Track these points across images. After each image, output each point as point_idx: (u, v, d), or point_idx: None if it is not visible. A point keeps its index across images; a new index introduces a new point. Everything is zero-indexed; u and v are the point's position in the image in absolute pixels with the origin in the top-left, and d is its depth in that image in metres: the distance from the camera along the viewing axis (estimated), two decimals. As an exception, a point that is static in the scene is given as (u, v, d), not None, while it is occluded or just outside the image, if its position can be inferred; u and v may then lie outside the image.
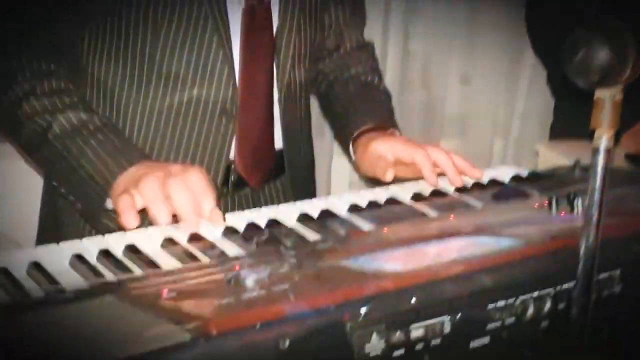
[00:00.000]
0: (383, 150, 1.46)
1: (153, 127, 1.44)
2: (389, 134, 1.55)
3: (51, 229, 1.57)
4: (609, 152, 0.87)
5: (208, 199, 1.17)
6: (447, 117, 2.87)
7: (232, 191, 1.51)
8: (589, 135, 0.89)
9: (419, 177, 1.41)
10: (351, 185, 2.80)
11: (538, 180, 1.41)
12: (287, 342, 0.79)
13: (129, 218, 1.13)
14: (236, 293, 0.86)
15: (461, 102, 2.88)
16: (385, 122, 1.59)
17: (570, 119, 2.24)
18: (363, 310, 0.85)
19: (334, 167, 2.71)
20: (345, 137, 1.61)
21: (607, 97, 0.87)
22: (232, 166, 1.49)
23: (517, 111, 2.92)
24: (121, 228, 1.14)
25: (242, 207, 1.52)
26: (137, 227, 1.13)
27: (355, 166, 1.55)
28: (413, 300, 0.88)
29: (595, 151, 0.86)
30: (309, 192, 1.70)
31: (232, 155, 1.48)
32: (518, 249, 1.00)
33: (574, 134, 2.21)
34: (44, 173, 1.58)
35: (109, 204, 1.28)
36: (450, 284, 0.91)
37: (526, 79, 2.88)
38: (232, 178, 1.49)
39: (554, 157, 2.07)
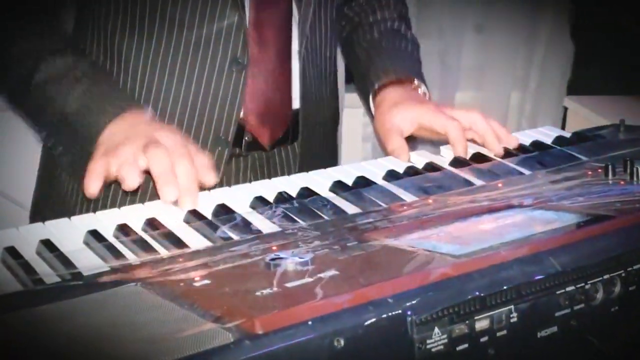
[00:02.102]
0: (404, 119, 1.33)
1: (156, 80, 1.33)
2: (414, 92, 1.42)
3: (47, 190, 1.46)
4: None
5: (210, 175, 1.09)
6: (462, 69, 2.76)
7: (245, 152, 1.40)
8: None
9: (442, 138, 1.30)
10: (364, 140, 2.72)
11: (582, 141, 1.30)
12: (343, 341, 0.70)
13: (93, 183, 1.05)
14: (279, 281, 0.76)
15: (477, 53, 2.76)
16: (410, 74, 1.45)
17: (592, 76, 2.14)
18: (424, 300, 0.75)
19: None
20: (365, 88, 1.48)
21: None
22: (245, 125, 1.37)
23: (536, 62, 2.80)
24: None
25: (255, 171, 1.41)
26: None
27: (373, 126, 1.43)
28: (477, 287, 0.78)
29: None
30: (331, 155, 1.59)
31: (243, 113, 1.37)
32: (585, 225, 0.89)
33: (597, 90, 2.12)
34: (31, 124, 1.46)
35: None
36: (517, 268, 0.81)
37: (546, 28, 2.75)
38: (246, 138, 1.38)
39: (584, 113, 1.97)
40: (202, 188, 1.08)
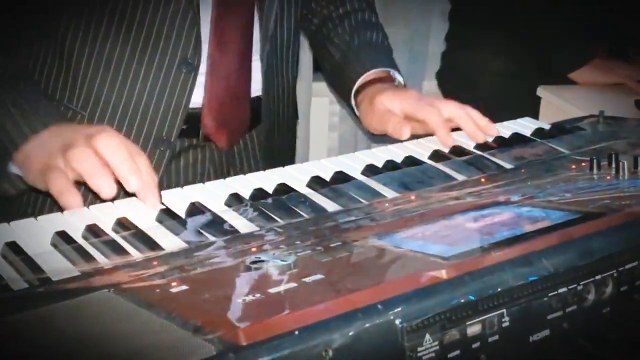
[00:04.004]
0: (392, 105, 1.31)
1: (100, 77, 1.28)
2: (395, 85, 1.41)
3: None
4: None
5: (144, 161, 1.01)
6: (429, 57, 2.73)
7: (202, 143, 1.36)
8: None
9: (429, 134, 1.27)
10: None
11: (562, 133, 1.28)
12: (331, 351, 0.66)
13: (70, 198, 0.97)
14: (261, 286, 0.72)
15: (444, 40, 2.74)
16: (387, 69, 1.44)
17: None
18: (414, 306, 0.71)
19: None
20: (342, 87, 1.47)
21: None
22: (201, 119, 1.33)
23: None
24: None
25: (213, 160, 1.39)
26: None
27: (361, 122, 1.40)
28: (469, 291, 0.74)
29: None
30: (289, 147, 1.56)
31: (200, 105, 1.33)
32: (575, 224, 0.86)
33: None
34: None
35: (13, 169, 1.11)
36: (509, 270, 0.77)
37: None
38: (202, 131, 1.34)
39: (558, 102, 1.95)
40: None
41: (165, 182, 1.33)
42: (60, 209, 0.98)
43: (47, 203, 1.27)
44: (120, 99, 1.29)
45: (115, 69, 1.28)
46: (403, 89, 1.40)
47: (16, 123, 1.10)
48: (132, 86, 1.29)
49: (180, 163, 1.36)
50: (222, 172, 1.40)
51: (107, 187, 0.97)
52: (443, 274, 0.75)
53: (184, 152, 1.36)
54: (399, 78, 1.43)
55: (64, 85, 1.29)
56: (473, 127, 1.24)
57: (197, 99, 1.32)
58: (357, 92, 1.41)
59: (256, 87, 1.39)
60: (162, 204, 0.98)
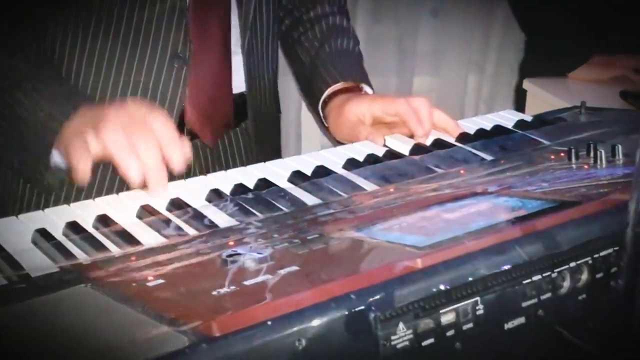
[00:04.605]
0: (360, 112, 1.31)
1: (93, 76, 1.28)
2: (363, 93, 1.41)
3: None
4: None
5: (177, 151, 1.02)
6: (419, 54, 2.74)
7: (189, 142, 1.36)
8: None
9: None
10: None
11: (544, 124, 1.29)
12: (304, 341, 0.66)
13: (82, 163, 1.00)
14: (236, 279, 0.73)
15: (433, 37, 2.75)
16: (356, 80, 1.43)
17: (544, 56, 2.14)
18: (388, 296, 0.72)
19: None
20: (310, 93, 1.47)
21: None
22: (185, 117, 1.34)
23: (492, 46, 2.79)
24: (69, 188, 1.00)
25: (199, 158, 1.39)
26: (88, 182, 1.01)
27: (330, 133, 1.40)
28: (442, 280, 0.75)
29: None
30: (274, 142, 1.56)
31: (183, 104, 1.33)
32: (550, 212, 0.87)
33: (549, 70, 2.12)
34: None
35: (55, 158, 1.13)
36: (482, 259, 0.78)
37: (502, 11, 2.74)
38: (187, 127, 1.35)
39: (543, 95, 1.96)
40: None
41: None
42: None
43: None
44: (114, 97, 1.29)
45: (107, 67, 1.28)
46: (370, 94, 1.40)
47: (48, 113, 1.11)
48: (125, 84, 1.29)
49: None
50: (208, 170, 1.40)
51: (137, 175, 0.99)
52: (417, 263, 0.75)
53: None
54: (368, 90, 1.43)
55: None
56: (415, 122, 1.23)
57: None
58: (325, 102, 1.41)
59: (239, 83, 1.40)
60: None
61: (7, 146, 1.17)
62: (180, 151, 1.02)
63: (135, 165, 0.98)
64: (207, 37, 1.31)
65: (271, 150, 1.52)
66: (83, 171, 1.00)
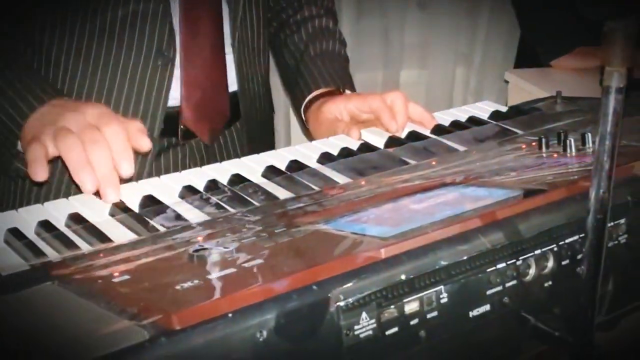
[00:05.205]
0: (337, 111, 1.33)
1: (80, 74, 1.29)
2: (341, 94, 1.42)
3: None
4: (621, 92, 0.75)
5: (127, 162, 1.02)
6: (406, 47, 2.75)
7: (182, 141, 1.37)
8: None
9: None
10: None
11: (519, 115, 1.30)
12: (265, 332, 0.67)
13: (38, 169, 1.01)
14: (200, 273, 0.74)
15: (420, 30, 2.75)
16: (338, 85, 1.45)
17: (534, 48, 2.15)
18: (350, 286, 0.73)
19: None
20: (295, 102, 1.48)
21: (620, 30, 0.74)
22: (179, 116, 1.34)
23: (479, 38, 2.80)
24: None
25: (194, 159, 1.40)
26: (45, 180, 1.02)
27: (311, 134, 1.41)
28: (405, 269, 0.76)
29: (606, 92, 0.74)
30: (268, 141, 1.57)
31: (177, 103, 1.34)
32: (515, 201, 0.88)
33: (540, 61, 2.13)
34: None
35: (20, 147, 1.15)
36: (446, 248, 0.79)
37: (488, 4, 2.75)
38: (181, 127, 1.35)
39: (525, 86, 1.96)
40: (138, 154, 1.05)
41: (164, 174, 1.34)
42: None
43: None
44: (100, 97, 1.30)
45: (93, 67, 1.29)
46: (347, 93, 1.42)
47: (15, 103, 1.13)
48: (111, 83, 1.30)
49: (160, 165, 1.37)
50: None
51: (89, 183, 0.99)
52: (380, 253, 0.76)
53: (164, 152, 1.37)
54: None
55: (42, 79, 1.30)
56: (389, 117, 1.24)
57: (175, 94, 1.33)
58: (307, 107, 1.43)
59: (231, 82, 1.40)
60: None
61: None
62: (129, 162, 1.02)
63: (88, 178, 0.99)
64: (198, 34, 1.32)
65: (265, 149, 1.52)
66: (40, 171, 1.01)
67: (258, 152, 1.44)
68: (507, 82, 2.06)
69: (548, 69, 2.10)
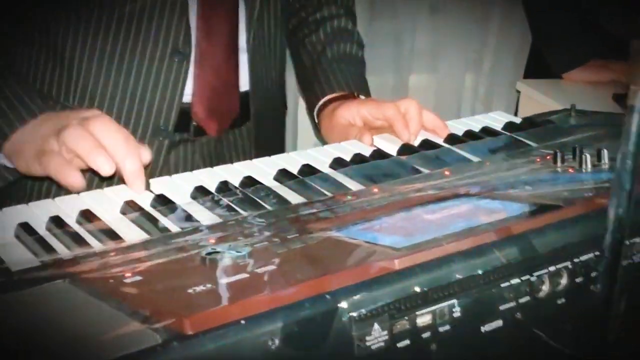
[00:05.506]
0: (350, 116, 1.32)
1: (94, 69, 1.29)
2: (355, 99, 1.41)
3: None
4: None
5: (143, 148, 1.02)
6: (416, 51, 2.74)
7: (193, 137, 1.37)
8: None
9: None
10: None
11: (533, 127, 1.29)
12: (277, 340, 0.67)
13: (71, 176, 0.99)
14: (213, 277, 0.73)
15: (431, 35, 2.74)
16: (352, 90, 1.44)
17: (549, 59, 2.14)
18: (363, 296, 0.72)
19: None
20: (309, 103, 1.47)
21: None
22: (191, 111, 1.34)
23: (490, 45, 2.79)
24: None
25: (203, 157, 1.39)
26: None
27: (323, 137, 1.41)
28: (419, 282, 0.75)
29: (631, 110, 0.73)
30: (278, 140, 1.57)
31: (189, 99, 1.33)
32: (531, 216, 0.87)
33: (551, 73, 2.12)
34: None
35: (2, 159, 1.13)
36: (460, 261, 0.79)
37: (500, 10, 2.74)
38: (193, 124, 1.35)
39: (536, 96, 1.96)
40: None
41: (173, 169, 1.34)
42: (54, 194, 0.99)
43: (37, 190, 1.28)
44: (115, 93, 1.29)
45: (109, 62, 1.28)
46: (361, 99, 1.41)
47: (4, 113, 1.11)
48: (126, 79, 1.29)
49: (170, 159, 1.36)
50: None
51: (106, 164, 0.98)
52: (394, 264, 0.76)
53: (174, 147, 1.36)
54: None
55: (59, 84, 1.30)
56: (402, 126, 1.23)
57: (188, 90, 1.33)
58: (320, 109, 1.42)
59: (243, 82, 1.40)
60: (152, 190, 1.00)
61: None
62: (147, 151, 1.02)
63: (103, 159, 0.99)
64: (213, 31, 1.31)
65: (275, 148, 1.52)
66: (79, 182, 1.00)
67: (268, 151, 1.44)
68: (518, 92, 2.05)
69: (559, 80, 2.09)
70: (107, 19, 1.26)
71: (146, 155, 1.02)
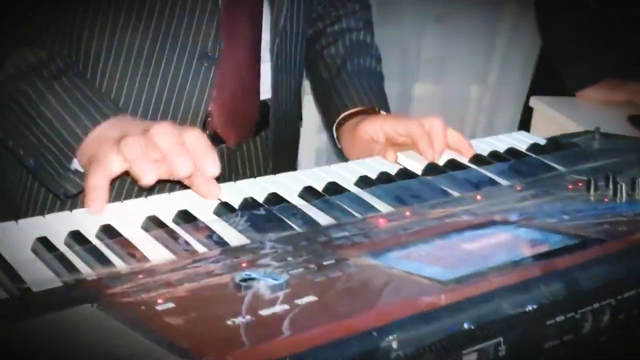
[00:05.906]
0: (373, 131, 1.29)
1: (119, 73, 1.24)
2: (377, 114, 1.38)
3: None
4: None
5: (212, 163, 0.99)
6: (422, 60, 2.71)
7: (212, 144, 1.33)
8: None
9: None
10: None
11: (558, 149, 1.26)
12: (323, 381, 0.63)
13: (95, 200, 0.94)
14: (251, 307, 0.69)
15: (437, 44, 2.72)
16: (374, 104, 1.40)
17: (558, 75, 2.11)
18: (410, 334, 0.68)
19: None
20: (328, 117, 1.44)
21: None
22: (209, 118, 1.30)
23: (496, 56, 2.77)
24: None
25: (221, 164, 1.34)
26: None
27: (343, 153, 1.37)
28: (466, 318, 0.72)
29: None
30: (293, 151, 1.53)
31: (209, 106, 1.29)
32: (575, 250, 0.84)
33: (562, 90, 2.10)
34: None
35: (76, 165, 1.09)
36: (507, 297, 0.75)
37: (508, 22, 2.72)
38: (208, 132, 1.31)
39: (550, 114, 1.93)
40: None
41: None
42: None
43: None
44: (141, 95, 1.25)
45: (135, 63, 1.23)
46: (384, 114, 1.38)
47: (76, 115, 1.08)
48: (152, 81, 1.24)
49: None
50: (225, 178, 1.36)
51: (149, 173, 0.95)
52: (441, 299, 0.72)
53: None
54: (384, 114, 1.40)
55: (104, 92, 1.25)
56: (426, 145, 1.20)
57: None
58: (340, 124, 1.39)
59: (265, 89, 1.36)
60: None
61: (27, 146, 1.12)
62: (217, 164, 1.01)
63: (148, 165, 0.95)
64: (237, 37, 1.27)
65: (289, 159, 1.48)
66: (97, 203, 0.95)
67: (283, 161, 1.41)
68: (531, 108, 2.02)
69: (573, 98, 2.06)
70: (137, 15, 1.21)
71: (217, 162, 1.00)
